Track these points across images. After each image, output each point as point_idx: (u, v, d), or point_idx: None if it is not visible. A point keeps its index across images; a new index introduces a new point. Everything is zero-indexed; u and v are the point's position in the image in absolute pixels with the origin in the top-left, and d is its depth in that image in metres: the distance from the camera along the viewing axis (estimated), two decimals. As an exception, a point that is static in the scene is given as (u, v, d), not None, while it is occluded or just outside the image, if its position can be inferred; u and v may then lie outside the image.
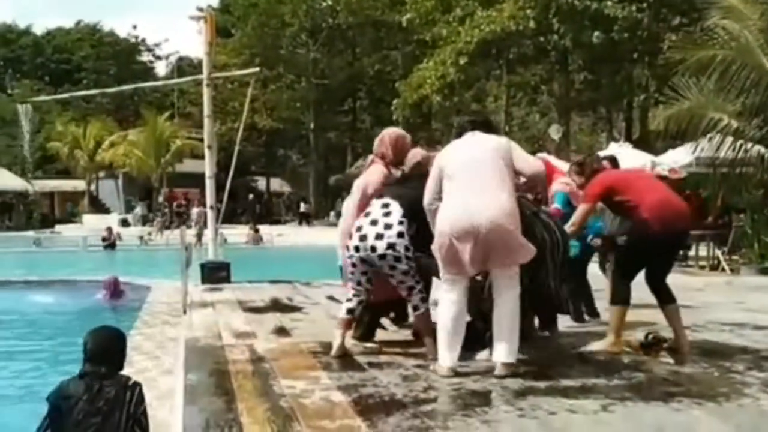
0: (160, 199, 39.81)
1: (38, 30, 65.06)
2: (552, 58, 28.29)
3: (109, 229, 27.98)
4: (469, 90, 31.81)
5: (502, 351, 5.17)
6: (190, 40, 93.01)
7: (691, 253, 15.45)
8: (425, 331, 5.74)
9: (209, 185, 13.40)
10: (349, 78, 40.97)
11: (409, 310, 6.00)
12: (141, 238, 29.66)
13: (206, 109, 13.67)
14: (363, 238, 5.61)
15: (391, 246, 5.54)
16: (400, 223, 5.60)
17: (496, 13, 24.95)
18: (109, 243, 26.60)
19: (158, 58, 64.25)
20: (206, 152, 13.68)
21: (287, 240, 29.60)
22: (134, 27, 64.48)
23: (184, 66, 54.57)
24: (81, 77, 57.61)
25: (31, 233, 34.26)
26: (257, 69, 17.95)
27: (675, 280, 6.14)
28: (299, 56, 40.10)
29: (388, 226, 5.59)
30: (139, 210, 41.10)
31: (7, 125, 50.77)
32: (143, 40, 64.06)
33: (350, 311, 5.84)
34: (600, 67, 28.29)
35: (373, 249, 5.56)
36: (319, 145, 41.68)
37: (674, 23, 27.19)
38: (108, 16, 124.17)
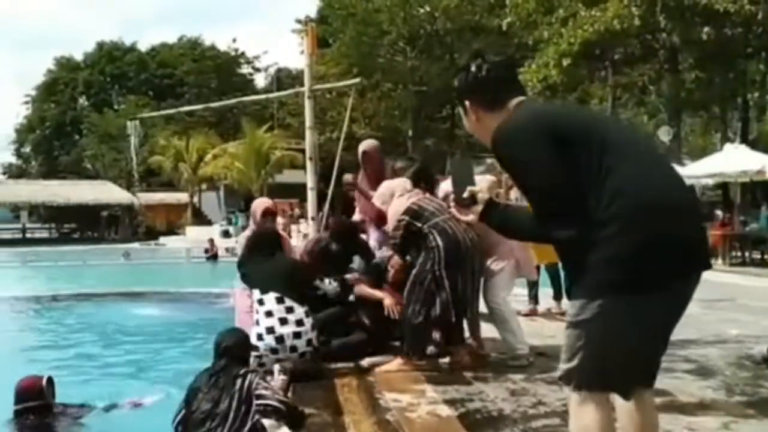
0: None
1: (143, 46, 67.10)
2: (660, 57, 27.12)
3: (212, 241, 28.28)
4: (572, 92, 30.88)
5: None
6: (288, 52, 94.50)
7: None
8: None
9: (311, 197, 13.20)
10: (448, 84, 40.39)
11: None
12: (227, 249, 29.91)
13: (308, 120, 13.43)
14: (280, 339, 5.53)
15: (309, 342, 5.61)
16: (307, 314, 5.67)
17: (599, 12, 24.03)
18: (212, 254, 26.86)
19: (257, 70, 65.34)
20: (307, 164, 13.46)
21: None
22: (234, 40, 65.79)
23: (283, 77, 55.23)
24: (183, 91, 59.07)
25: (136, 245, 35.11)
26: (358, 80, 17.68)
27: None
28: (397, 64, 39.81)
29: (299, 322, 5.58)
30: (240, 221, 41.61)
31: (113, 140, 52.49)
32: (243, 53, 65.20)
33: None
34: (712, 65, 26.93)
35: (294, 349, 5.54)
36: (417, 152, 41.35)
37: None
38: (209, 29, 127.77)
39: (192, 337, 10.19)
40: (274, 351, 5.49)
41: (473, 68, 2.96)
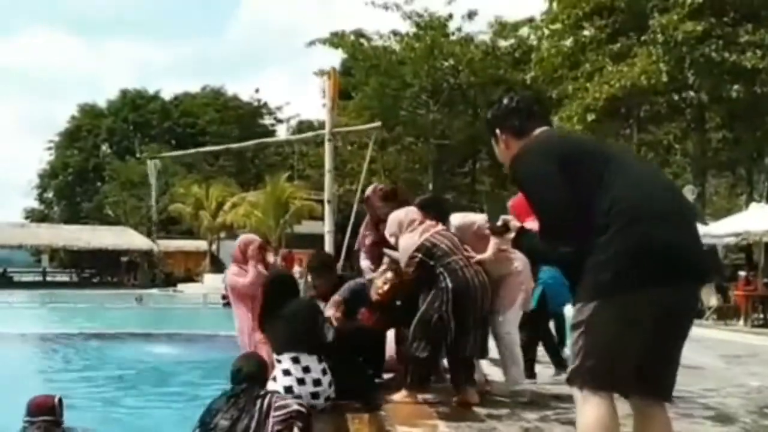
0: (278, 259, 39.95)
1: (166, 95, 67.59)
2: (687, 115, 26.82)
3: (228, 288, 28.06)
4: (596, 149, 30.55)
5: None
6: (310, 104, 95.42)
7: None
8: None
9: (328, 239, 12.94)
10: (470, 138, 40.34)
11: None
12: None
13: (327, 163, 13.30)
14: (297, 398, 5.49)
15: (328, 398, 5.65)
16: (324, 372, 5.62)
17: (627, 68, 23.87)
18: (228, 301, 26.62)
19: (279, 121, 65.67)
20: (326, 207, 13.33)
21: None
22: (257, 91, 66.05)
23: (305, 128, 55.41)
24: (205, 140, 59.26)
25: (155, 291, 34.92)
26: (378, 124, 17.70)
27: None
28: (419, 117, 39.80)
29: (317, 382, 5.56)
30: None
31: (134, 187, 52.71)
32: (265, 104, 65.69)
33: None
34: (739, 124, 26.57)
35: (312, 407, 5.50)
36: (437, 206, 41.11)
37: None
38: (232, 79, 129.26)
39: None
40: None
41: (505, 100, 3.42)
